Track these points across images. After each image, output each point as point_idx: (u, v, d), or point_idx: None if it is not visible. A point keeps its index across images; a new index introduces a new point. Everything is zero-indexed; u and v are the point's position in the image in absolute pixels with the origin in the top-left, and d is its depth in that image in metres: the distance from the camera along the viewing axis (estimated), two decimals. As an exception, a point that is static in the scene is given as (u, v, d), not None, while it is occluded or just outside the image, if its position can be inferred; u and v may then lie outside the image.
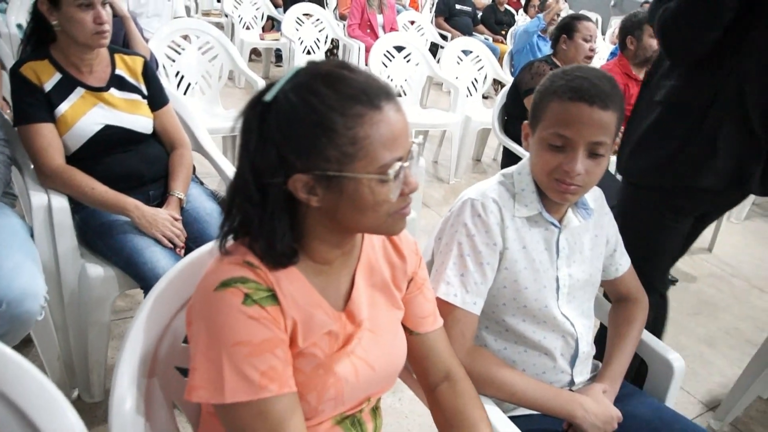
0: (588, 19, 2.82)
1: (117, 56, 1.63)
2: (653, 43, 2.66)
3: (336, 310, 0.81)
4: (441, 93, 6.14)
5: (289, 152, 0.69)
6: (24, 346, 1.68)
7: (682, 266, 3.17)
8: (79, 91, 1.54)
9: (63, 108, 1.50)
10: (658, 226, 1.51)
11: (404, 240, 0.92)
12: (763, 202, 4.26)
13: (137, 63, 1.66)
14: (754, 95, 1.33)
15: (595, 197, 1.20)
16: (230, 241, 0.77)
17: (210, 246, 0.86)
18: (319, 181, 0.70)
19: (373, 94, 0.70)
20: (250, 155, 0.71)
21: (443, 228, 1.12)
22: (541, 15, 4.23)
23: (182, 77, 3.02)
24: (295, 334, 0.75)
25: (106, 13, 1.52)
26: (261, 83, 2.94)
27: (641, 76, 2.73)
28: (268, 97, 0.70)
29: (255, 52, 6.09)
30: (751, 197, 3.91)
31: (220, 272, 0.72)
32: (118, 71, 1.61)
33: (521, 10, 7.95)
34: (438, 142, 4.22)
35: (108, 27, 1.53)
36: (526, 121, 1.09)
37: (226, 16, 5.39)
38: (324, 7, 6.05)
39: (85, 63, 1.55)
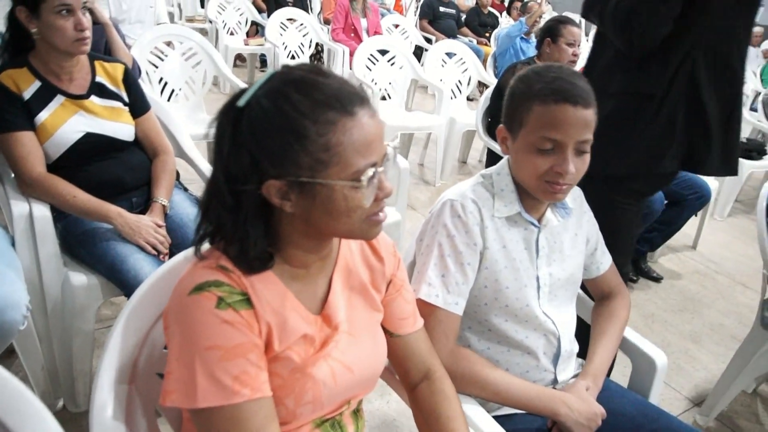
0: (573, 23, 2.84)
1: (97, 63, 1.62)
2: None
3: (312, 314, 0.81)
4: (426, 95, 6.16)
5: (262, 158, 0.69)
6: (7, 356, 1.67)
7: (667, 264, 3.21)
8: (59, 99, 1.52)
9: (43, 116, 1.49)
10: (618, 212, 1.54)
11: (382, 242, 0.93)
12: (745, 199, 4.31)
13: (118, 70, 1.65)
14: (704, 73, 1.42)
15: (574, 197, 1.21)
16: (207, 246, 0.77)
17: (187, 253, 0.86)
18: (292, 187, 0.70)
19: (346, 100, 0.70)
20: (224, 161, 0.71)
21: (424, 229, 1.12)
22: (523, 19, 4.26)
23: (165, 84, 3.00)
24: (270, 338, 0.75)
25: (87, 20, 1.51)
26: (245, 88, 2.96)
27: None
28: (241, 102, 0.69)
29: (240, 58, 6.08)
30: (734, 195, 3.96)
31: (195, 276, 0.72)
32: (98, 78, 1.61)
33: (504, 13, 8.02)
34: (423, 145, 4.23)
35: (88, 33, 1.52)
36: (501, 125, 1.09)
37: (210, 21, 5.37)
38: (308, 12, 6.05)
39: (65, 71, 1.54)
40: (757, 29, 7.61)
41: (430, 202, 3.56)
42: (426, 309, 1.03)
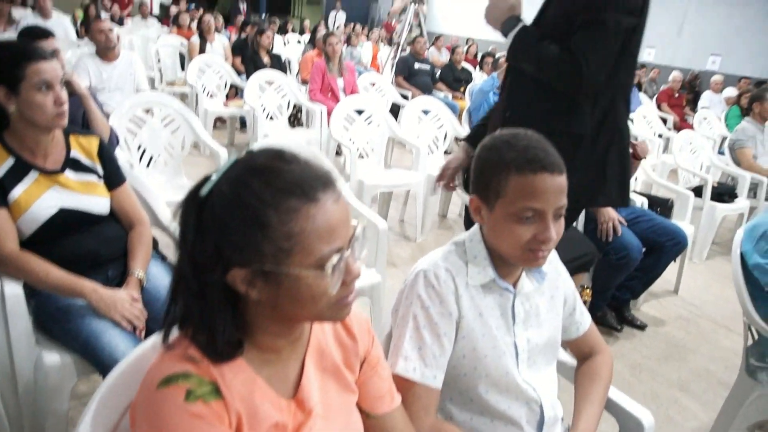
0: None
1: (72, 137, 1.62)
2: None
3: (285, 399, 0.79)
4: (404, 151, 6.24)
5: (226, 247, 0.69)
6: (-25, 443, 1.59)
7: (650, 310, 3.21)
8: (33, 175, 1.52)
9: (16, 193, 1.48)
10: None
11: (355, 319, 0.91)
12: (721, 241, 4.38)
13: (92, 143, 1.65)
14: (622, 111, 1.65)
15: (550, 259, 1.20)
16: (176, 331, 0.76)
17: (153, 340, 0.85)
18: (257, 276, 0.70)
19: (309, 186, 0.70)
20: (188, 249, 0.70)
21: (399, 300, 1.11)
22: (495, 74, 4.39)
23: (144, 150, 3.01)
24: (240, 429, 0.73)
25: (64, 94, 1.53)
26: (223, 153, 2.98)
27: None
28: (204, 191, 0.70)
29: (220, 119, 6.15)
30: (710, 238, 4.03)
31: (162, 368, 0.71)
32: (73, 153, 1.61)
33: (478, 67, 8.28)
34: (403, 201, 4.26)
35: (66, 107, 1.53)
36: (472, 196, 1.09)
37: (191, 86, 5.45)
38: (287, 72, 6.18)
39: (40, 146, 1.54)
40: (717, 77, 7.94)
41: (411, 259, 3.55)
42: (403, 384, 1.01)
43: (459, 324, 1.07)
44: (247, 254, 0.69)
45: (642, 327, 2.97)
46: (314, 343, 0.86)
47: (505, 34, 1.67)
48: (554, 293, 1.20)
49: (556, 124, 1.59)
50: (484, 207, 1.07)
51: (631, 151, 2.90)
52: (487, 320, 1.09)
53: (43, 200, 1.51)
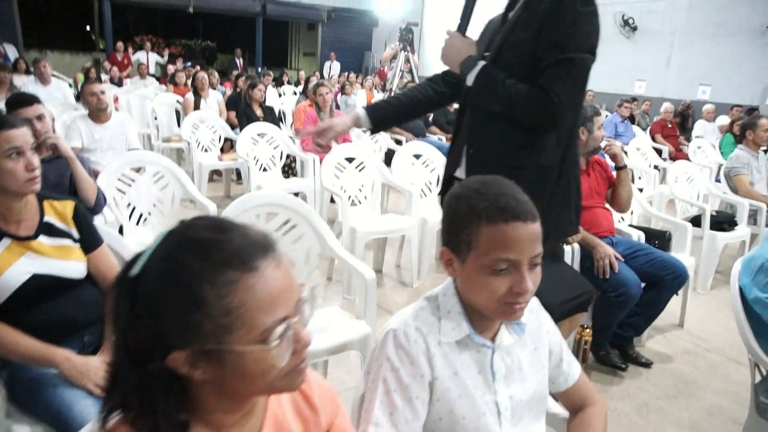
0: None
1: (46, 203, 1.61)
2: (600, 135, 2.78)
3: None
4: (400, 195, 6.23)
5: (163, 330, 0.64)
6: None
7: (656, 346, 3.12)
8: (5, 242, 1.49)
9: (-13, 262, 1.46)
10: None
11: (316, 389, 0.86)
12: (724, 270, 4.29)
13: (67, 208, 1.63)
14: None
15: (530, 308, 1.14)
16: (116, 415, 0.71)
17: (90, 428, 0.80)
18: (199, 356, 0.65)
19: (247, 255, 0.66)
20: (122, 336, 0.66)
21: (370, 362, 1.06)
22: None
23: (134, 208, 3.01)
24: None
25: (36, 159, 1.52)
26: (212, 208, 2.96)
27: (584, 166, 2.82)
28: (135, 271, 0.66)
29: (216, 172, 6.18)
30: (713, 267, 3.96)
31: None
32: (46, 218, 1.59)
33: (470, 109, 8.36)
34: (399, 245, 4.22)
35: (38, 172, 1.53)
36: (444, 248, 1.04)
37: (187, 142, 5.50)
38: (282, 123, 6.22)
39: (13, 213, 1.52)
40: (709, 106, 8.01)
41: (407, 305, 3.47)
42: None
43: (432, 385, 1.01)
44: (185, 335, 0.64)
45: (648, 364, 2.87)
46: (270, 416, 0.80)
47: (464, 74, 1.68)
48: (537, 344, 1.14)
49: (523, 158, 1.63)
50: (455, 259, 1.02)
51: (612, 163, 2.91)
52: (463, 379, 1.02)
53: (15, 267, 1.48)
